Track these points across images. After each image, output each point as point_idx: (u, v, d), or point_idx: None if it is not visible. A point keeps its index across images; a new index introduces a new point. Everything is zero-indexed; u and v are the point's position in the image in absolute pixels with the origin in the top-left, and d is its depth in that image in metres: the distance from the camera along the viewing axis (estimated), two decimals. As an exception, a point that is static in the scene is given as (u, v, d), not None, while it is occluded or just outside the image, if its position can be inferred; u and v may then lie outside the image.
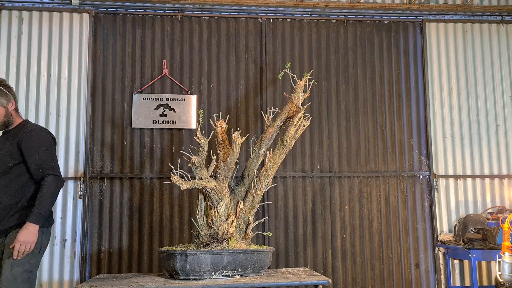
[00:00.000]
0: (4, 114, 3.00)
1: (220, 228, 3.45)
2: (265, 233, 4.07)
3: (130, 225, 4.65)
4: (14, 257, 2.80)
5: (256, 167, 3.74)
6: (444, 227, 4.97)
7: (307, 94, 4.02)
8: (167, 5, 4.90)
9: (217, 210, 3.48)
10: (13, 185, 2.94)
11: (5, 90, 3.00)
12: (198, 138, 3.55)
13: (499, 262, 3.90)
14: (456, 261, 4.90)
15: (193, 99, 4.85)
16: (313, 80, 4.32)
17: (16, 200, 2.94)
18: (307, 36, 5.11)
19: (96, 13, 4.88)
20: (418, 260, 4.88)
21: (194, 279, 3.22)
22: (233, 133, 3.68)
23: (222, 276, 3.30)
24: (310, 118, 3.95)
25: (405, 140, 5.05)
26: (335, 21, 5.16)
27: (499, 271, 3.86)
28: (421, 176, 5.02)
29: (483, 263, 4.90)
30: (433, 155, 5.04)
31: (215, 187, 3.48)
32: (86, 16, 4.84)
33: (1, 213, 2.93)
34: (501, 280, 3.86)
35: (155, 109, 4.78)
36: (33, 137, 3.01)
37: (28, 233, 2.83)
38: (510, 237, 3.84)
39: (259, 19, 5.08)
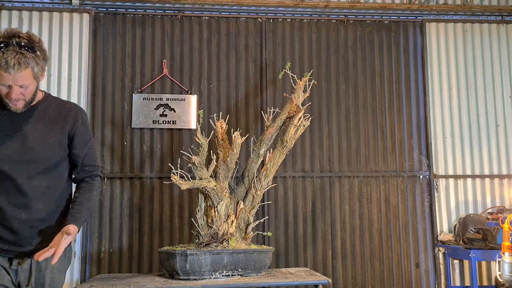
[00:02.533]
0: (35, 88, 2.08)
1: (220, 228, 3.45)
2: (265, 233, 4.07)
3: (130, 225, 4.65)
4: (53, 263, 2.01)
5: (256, 167, 3.75)
6: (444, 227, 4.96)
7: (307, 94, 4.03)
8: (167, 5, 4.90)
9: (217, 210, 3.48)
10: (55, 186, 2.19)
11: (41, 55, 2.05)
12: (198, 138, 3.55)
13: (499, 262, 3.90)
14: (456, 261, 4.90)
15: (193, 99, 4.85)
16: (313, 80, 4.32)
17: (57, 206, 2.20)
18: (307, 36, 5.11)
19: (96, 13, 4.88)
20: (418, 260, 4.88)
21: (194, 279, 3.22)
22: (233, 133, 3.69)
23: (222, 276, 3.30)
24: (310, 118, 3.95)
25: (405, 140, 5.05)
26: (335, 21, 5.16)
27: (499, 271, 3.87)
28: (421, 176, 5.02)
29: (483, 263, 4.90)
30: (433, 155, 5.04)
31: (215, 187, 3.48)
32: (86, 16, 4.84)
33: (35, 224, 2.12)
34: (501, 280, 3.86)
35: (155, 109, 4.78)
36: (86, 124, 2.28)
37: (71, 238, 2.09)
38: (510, 237, 3.85)
39: (259, 19, 5.08)
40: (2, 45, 1.94)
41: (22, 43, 1.98)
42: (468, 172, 5.07)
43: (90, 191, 2.26)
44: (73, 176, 2.31)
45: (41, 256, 1.95)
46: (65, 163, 2.23)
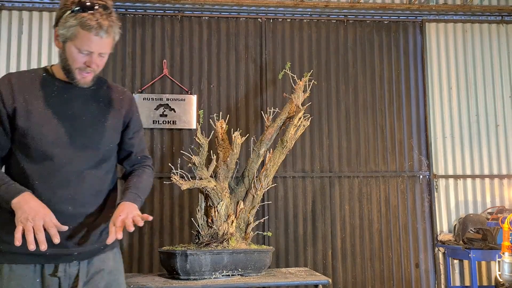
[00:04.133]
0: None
1: (220, 228, 3.46)
2: (265, 233, 4.07)
3: (130, 225, 4.64)
4: (132, 228, 1.66)
5: (256, 167, 3.75)
6: (444, 227, 4.97)
7: (307, 94, 4.03)
8: (167, 5, 4.90)
9: (217, 210, 3.49)
10: (106, 178, 1.86)
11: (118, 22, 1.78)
12: (198, 138, 3.55)
13: (498, 262, 3.90)
14: (456, 261, 4.91)
15: (193, 99, 4.85)
16: (313, 80, 4.32)
17: (107, 202, 1.86)
18: (307, 36, 5.11)
19: (96, 13, 4.87)
20: (418, 260, 4.89)
21: (194, 279, 3.22)
22: (233, 133, 3.69)
23: (222, 276, 3.30)
24: (310, 118, 3.95)
25: (405, 140, 5.05)
26: (335, 21, 5.16)
27: (499, 271, 3.87)
28: (421, 176, 5.02)
29: (483, 263, 4.90)
30: (433, 155, 5.04)
31: (215, 187, 3.48)
32: (86, 16, 4.84)
33: (82, 220, 1.76)
34: (501, 280, 3.87)
35: (155, 109, 4.78)
36: (138, 111, 2.03)
37: (131, 206, 1.75)
38: (510, 237, 3.85)
39: (259, 19, 5.08)
40: (77, 7, 1.66)
41: (106, 5, 1.72)
42: (468, 172, 5.07)
43: (141, 175, 1.94)
44: (124, 167, 2.00)
45: (111, 237, 1.65)
46: (115, 153, 1.93)
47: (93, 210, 1.79)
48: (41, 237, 1.54)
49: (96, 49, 1.70)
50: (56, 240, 1.57)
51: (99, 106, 1.84)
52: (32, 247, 1.52)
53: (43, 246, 1.54)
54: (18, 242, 1.52)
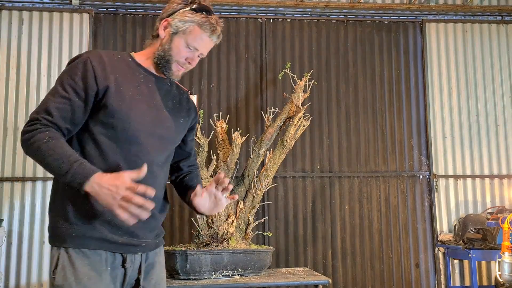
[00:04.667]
0: None
1: (220, 228, 3.46)
2: (265, 233, 4.07)
3: (130, 225, 4.65)
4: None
5: (256, 167, 3.75)
6: (444, 227, 4.97)
7: (307, 94, 4.03)
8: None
9: (217, 210, 3.49)
10: (166, 177, 1.89)
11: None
12: (198, 138, 3.55)
13: (498, 262, 3.90)
14: (456, 261, 4.91)
15: (193, 99, 4.84)
16: (313, 80, 4.32)
17: (163, 198, 1.86)
18: (307, 36, 5.11)
19: (96, 13, 4.88)
20: (418, 260, 4.89)
21: (194, 279, 3.23)
22: (233, 133, 3.69)
23: (222, 276, 3.30)
24: (310, 118, 3.95)
25: (405, 140, 5.06)
26: (335, 21, 5.16)
27: (499, 271, 3.87)
28: (421, 176, 5.02)
29: (483, 263, 4.91)
30: (433, 155, 5.04)
31: (215, 187, 3.48)
32: (86, 16, 4.85)
33: (154, 210, 1.66)
34: (501, 280, 3.87)
35: (155, 109, 4.77)
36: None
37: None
38: (510, 237, 3.85)
39: (259, 19, 5.08)
40: (198, 7, 1.75)
41: (214, 13, 1.79)
42: (468, 172, 5.07)
43: (197, 176, 2.02)
44: (181, 167, 2.01)
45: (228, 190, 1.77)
46: None
47: (159, 204, 1.78)
48: (140, 201, 1.47)
49: (202, 48, 1.76)
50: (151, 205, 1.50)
51: (173, 103, 1.85)
52: (132, 220, 1.49)
53: (149, 206, 1.48)
54: (132, 220, 1.49)
